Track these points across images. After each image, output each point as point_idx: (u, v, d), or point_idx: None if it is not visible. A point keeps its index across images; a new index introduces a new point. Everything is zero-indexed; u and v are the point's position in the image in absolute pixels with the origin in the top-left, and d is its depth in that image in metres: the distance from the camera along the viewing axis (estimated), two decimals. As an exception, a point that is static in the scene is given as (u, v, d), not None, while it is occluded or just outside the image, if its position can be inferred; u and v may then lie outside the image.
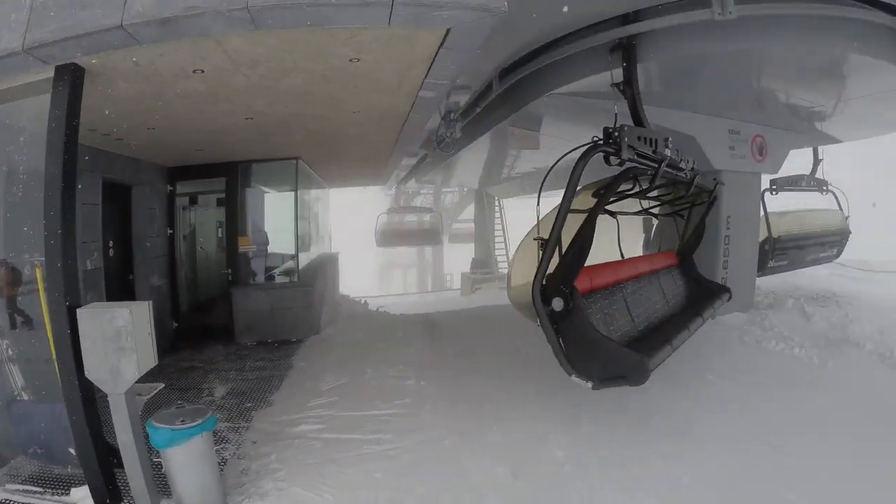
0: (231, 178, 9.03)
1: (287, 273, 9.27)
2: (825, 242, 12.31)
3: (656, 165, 5.15)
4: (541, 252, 4.08)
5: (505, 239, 23.92)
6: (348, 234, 25.35)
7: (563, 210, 4.18)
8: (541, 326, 4.12)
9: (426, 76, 5.10)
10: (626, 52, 5.61)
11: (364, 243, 25.59)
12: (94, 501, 3.93)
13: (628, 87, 5.69)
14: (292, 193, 9.25)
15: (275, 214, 9.55)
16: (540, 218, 4.54)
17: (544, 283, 4.12)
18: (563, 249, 4.19)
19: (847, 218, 12.40)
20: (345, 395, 6.24)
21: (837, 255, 12.51)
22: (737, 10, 4.79)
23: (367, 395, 6.24)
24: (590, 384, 4.04)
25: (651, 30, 5.35)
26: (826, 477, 4.40)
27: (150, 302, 3.91)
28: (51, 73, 3.84)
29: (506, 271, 21.92)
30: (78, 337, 3.65)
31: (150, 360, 3.81)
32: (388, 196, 31.37)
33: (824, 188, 12.14)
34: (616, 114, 5.26)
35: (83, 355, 3.65)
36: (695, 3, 4.99)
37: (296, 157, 9.11)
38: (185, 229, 10.37)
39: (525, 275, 5.05)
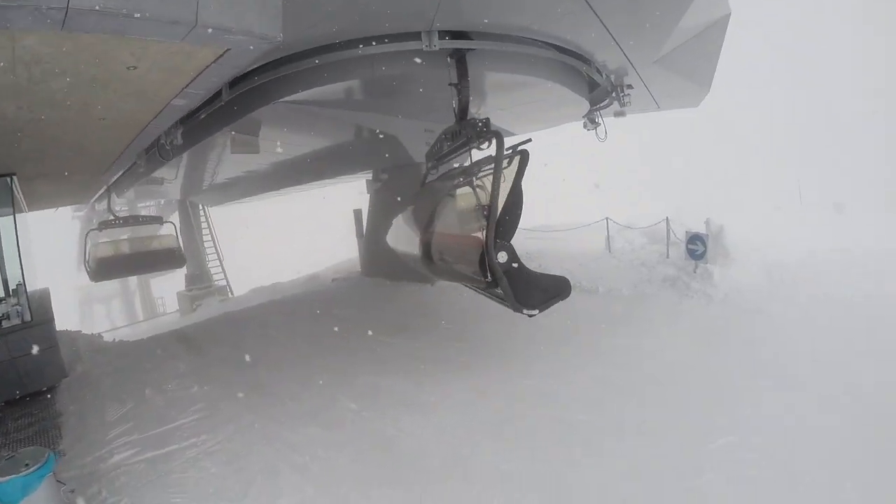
0: None
1: (18, 313, 7.98)
2: None
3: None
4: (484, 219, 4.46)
5: (216, 248, 22.34)
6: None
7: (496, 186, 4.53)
8: (489, 277, 4.39)
9: (187, 86, 5.47)
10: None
11: (54, 276, 21.68)
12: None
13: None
14: (9, 218, 8.02)
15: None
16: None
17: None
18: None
19: None
20: (137, 417, 6.31)
21: None
22: (439, 45, 6.39)
23: (160, 412, 6.45)
24: (535, 311, 4.51)
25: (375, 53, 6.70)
26: (564, 368, 6.72)
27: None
28: None
29: (222, 283, 21.41)
30: None
31: None
32: (75, 218, 27.13)
33: None
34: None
35: None
36: (409, 36, 6.43)
37: (11, 172, 7.86)
38: None
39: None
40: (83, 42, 3.94)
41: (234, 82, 7.44)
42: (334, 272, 17.30)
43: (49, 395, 7.32)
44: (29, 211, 12.99)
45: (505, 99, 10.22)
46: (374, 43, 6.44)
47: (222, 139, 10.29)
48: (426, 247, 5.63)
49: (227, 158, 12.96)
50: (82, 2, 3.35)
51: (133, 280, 29.44)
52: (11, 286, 8.15)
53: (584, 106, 8.85)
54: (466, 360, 7.28)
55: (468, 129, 5.68)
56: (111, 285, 31.43)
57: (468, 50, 6.96)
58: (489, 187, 4.75)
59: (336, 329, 9.44)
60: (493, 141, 5.02)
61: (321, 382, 6.91)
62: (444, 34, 6.35)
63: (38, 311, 8.29)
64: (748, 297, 9.00)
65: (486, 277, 4.46)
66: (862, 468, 4.20)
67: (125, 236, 18.89)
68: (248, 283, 19.25)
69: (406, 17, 6.07)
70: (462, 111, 6.25)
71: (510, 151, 4.89)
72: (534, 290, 4.60)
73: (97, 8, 3.40)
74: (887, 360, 6.06)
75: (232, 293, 20.41)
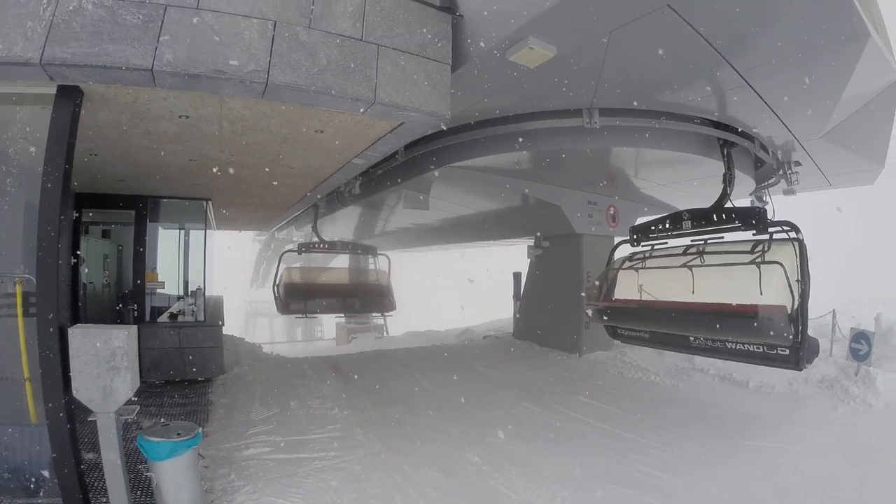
0: (140, 211, 8.90)
1: (192, 311, 9.22)
2: None
3: None
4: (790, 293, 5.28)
5: None
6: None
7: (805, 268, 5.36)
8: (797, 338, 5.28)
9: (367, 149, 6.19)
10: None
11: (229, 288, 24.39)
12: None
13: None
14: (202, 232, 9.36)
15: (182, 252, 9.52)
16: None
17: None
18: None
19: None
20: (279, 423, 6.68)
21: None
22: (600, 122, 6.66)
23: (300, 423, 6.78)
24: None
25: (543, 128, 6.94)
26: (677, 457, 5.98)
27: (137, 326, 4.22)
28: (53, 90, 3.93)
29: (379, 321, 21.90)
30: (67, 357, 3.74)
31: (137, 380, 4.09)
32: (255, 241, 30.66)
33: None
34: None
35: (72, 375, 3.74)
36: (572, 113, 6.74)
37: (207, 197, 9.30)
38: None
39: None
40: (278, 108, 4.71)
41: (410, 146, 8.06)
42: (488, 329, 17.32)
43: (205, 386, 8.14)
44: (217, 229, 14.92)
45: (665, 174, 9.98)
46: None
47: (396, 193, 11.13)
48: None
49: (399, 210, 13.98)
50: (279, 78, 4.07)
51: None
52: (192, 288, 9.48)
53: (750, 184, 8.40)
54: (593, 438, 6.70)
55: (748, 217, 6.08)
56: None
57: (731, 143, 7.24)
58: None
59: (478, 385, 9.35)
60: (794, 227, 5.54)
61: (452, 432, 6.81)
62: (604, 111, 6.65)
63: (212, 314, 9.47)
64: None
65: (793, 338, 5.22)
66: None
67: (328, 266, 17.53)
68: (405, 325, 19.62)
69: (567, 97, 6.40)
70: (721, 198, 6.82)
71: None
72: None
73: (290, 84, 4.12)
74: None
75: (388, 332, 21.21)
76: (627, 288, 7.12)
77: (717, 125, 7.26)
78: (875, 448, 6.25)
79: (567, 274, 12.36)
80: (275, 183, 8.30)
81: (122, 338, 3.84)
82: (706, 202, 12.24)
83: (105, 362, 3.79)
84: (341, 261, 20.77)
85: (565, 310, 12.29)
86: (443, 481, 5.33)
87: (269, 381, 8.71)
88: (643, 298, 6.79)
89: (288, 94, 4.30)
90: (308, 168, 7.24)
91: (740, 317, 5.48)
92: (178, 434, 4.04)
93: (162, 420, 4.40)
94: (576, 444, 6.48)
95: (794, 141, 7.63)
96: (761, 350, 5.68)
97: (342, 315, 19.19)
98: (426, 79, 4.81)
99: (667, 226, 6.99)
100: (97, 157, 6.33)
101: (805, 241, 5.39)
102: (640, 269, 7.07)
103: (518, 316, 15.24)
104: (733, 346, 5.96)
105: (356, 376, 9.62)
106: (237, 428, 6.37)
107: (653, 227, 7.11)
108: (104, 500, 4.06)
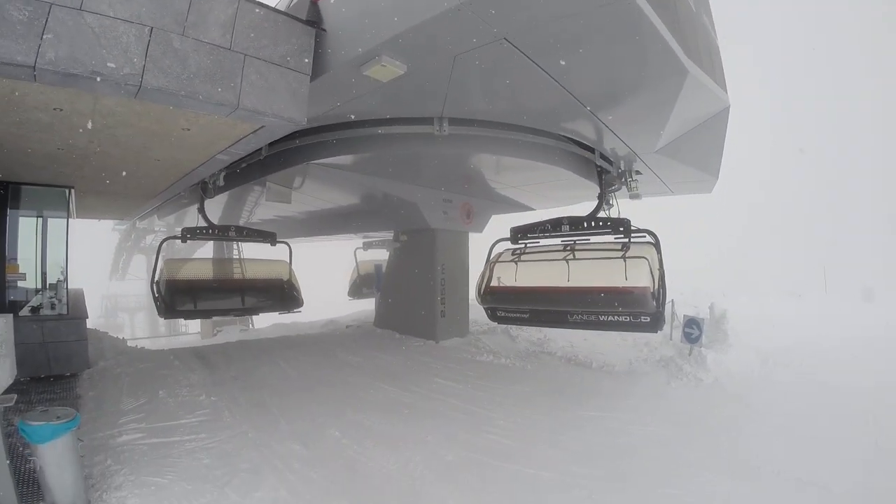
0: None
1: (54, 305, 8.95)
2: None
3: None
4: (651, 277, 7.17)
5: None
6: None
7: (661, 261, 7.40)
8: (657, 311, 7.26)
9: (230, 146, 6.75)
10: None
11: (87, 280, 22.77)
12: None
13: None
14: (64, 221, 9.12)
15: (42, 242, 9.14)
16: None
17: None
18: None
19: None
20: (149, 411, 7.04)
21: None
22: (449, 130, 7.51)
23: (170, 410, 7.20)
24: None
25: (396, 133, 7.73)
26: (522, 427, 7.25)
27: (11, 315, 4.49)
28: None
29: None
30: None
31: (15, 368, 4.39)
32: (115, 230, 28.77)
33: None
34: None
35: None
36: (423, 120, 7.56)
37: (70, 185, 9.04)
38: None
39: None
40: (149, 107, 5.14)
41: (274, 142, 8.48)
42: (351, 319, 18.12)
43: (71, 381, 8.13)
44: (76, 217, 14.02)
45: (518, 178, 11.16)
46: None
47: (260, 187, 11.46)
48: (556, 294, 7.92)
49: (262, 203, 14.16)
50: (151, 82, 4.54)
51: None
52: (52, 281, 9.15)
53: (596, 189, 9.50)
54: (446, 413, 7.80)
55: (616, 224, 7.82)
56: (137, 300, 32.42)
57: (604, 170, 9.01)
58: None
59: (339, 370, 10.17)
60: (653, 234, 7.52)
61: (314, 412, 7.59)
62: (454, 121, 7.46)
63: (74, 308, 9.26)
64: (737, 383, 9.31)
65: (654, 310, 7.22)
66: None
67: (218, 257, 15.29)
68: (270, 318, 19.76)
69: (418, 107, 7.16)
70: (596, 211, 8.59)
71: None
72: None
73: (161, 88, 4.58)
74: (851, 454, 6.30)
75: (253, 325, 21.21)
76: (509, 277, 8.49)
77: (565, 138, 8.46)
78: (699, 415, 7.80)
79: (423, 266, 13.62)
80: (140, 173, 8.42)
81: (1, 326, 4.17)
82: (555, 203, 14.03)
83: (-18, 351, 3.93)
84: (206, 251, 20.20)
85: (422, 299, 13.57)
86: (306, 454, 6.14)
87: (135, 372, 8.85)
88: (529, 285, 8.27)
89: (158, 97, 4.71)
90: (174, 160, 7.55)
91: (620, 295, 7.27)
92: (58, 417, 4.41)
93: (40, 407, 4.71)
94: (430, 418, 7.56)
95: (633, 154, 8.94)
96: (628, 320, 7.45)
97: (237, 316, 16.90)
98: (286, 87, 5.39)
99: (548, 228, 8.37)
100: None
101: (660, 243, 7.44)
102: (519, 261, 8.44)
103: (379, 306, 16.25)
104: (605, 319, 7.61)
105: (222, 365, 10.06)
106: (108, 418, 6.63)
107: (535, 229, 8.46)
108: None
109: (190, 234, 9.77)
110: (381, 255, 18.60)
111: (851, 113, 67.29)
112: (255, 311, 11.77)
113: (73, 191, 9.22)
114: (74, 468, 4.50)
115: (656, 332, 7.62)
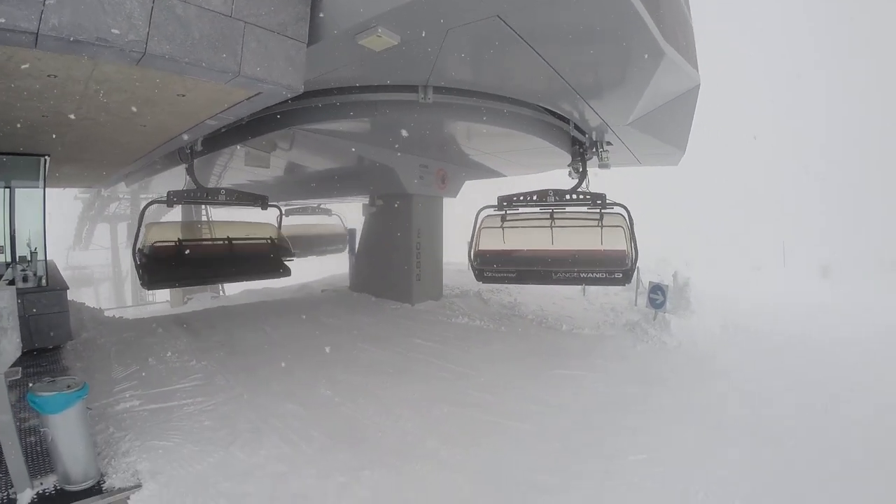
0: None
1: (34, 277, 8.84)
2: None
3: None
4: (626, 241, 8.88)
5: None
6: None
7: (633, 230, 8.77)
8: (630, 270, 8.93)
9: (221, 112, 6.72)
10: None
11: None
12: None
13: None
14: (39, 191, 8.94)
15: (11, 214, 8.96)
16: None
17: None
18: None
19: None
20: (142, 379, 7.22)
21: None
22: (433, 98, 7.68)
23: (162, 376, 7.41)
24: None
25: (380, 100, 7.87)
26: (500, 384, 7.77)
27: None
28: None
29: None
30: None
31: (19, 340, 4.44)
32: (78, 199, 27.93)
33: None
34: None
35: None
36: (409, 88, 7.70)
37: (46, 153, 8.75)
38: None
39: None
40: (148, 74, 5.08)
41: None
42: (324, 284, 18.27)
43: (56, 353, 8.16)
44: (47, 187, 13.63)
45: (492, 145, 11.42)
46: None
47: (238, 152, 11.42)
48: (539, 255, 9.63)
49: (237, 167, 14.08)
50: (156, 49, 4.54)
51: (125, 263, 28.62)
52: (29, 251, 8.96)
53: (568, 157, 9.94)
54: (428, 371, 8.25)
55: (594, 198, 8.90)
56: (103, 270, 31.60)
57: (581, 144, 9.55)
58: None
59: (321, 332, 10.47)
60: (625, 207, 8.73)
61: (303, 373, 7.93)
62: (438, 89, 7.65)
63: (53, 279, 9.18)
64: (700, 346, 10.14)
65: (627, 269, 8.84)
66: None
67: (203, 221, 14.39)
68: (240, 285, 19.74)
69: (405, 74, 7.30)
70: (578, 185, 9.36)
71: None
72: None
73: (165, 55, 4.59)
74: (801, 401, 7.20)
75: (224, 292, 21.08)
76: (497, 242, 9.73)
77: (540, 108, 8.74)
78: (662, 375, 8.46)
79: (399, 230, 13.92)
80: (122, 140, 8.22)
81: (6, 298, 4.16)
82: (526, 170, 14.39)
83: (-9, 324, 4.02)
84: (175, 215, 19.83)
85: (398, 263, 13.93)
86: (303, 413, 6.48)
87: (120, 342, 8.97)
88: (519, 247, 9.79)
89: (161, 63, 4.70)
90: (160, 126, 7.42)
91: (599, 256, 9.22)
92: (69, 387, 4.52)
93: (46, 378, 4.82)
94: (412, 376, 8.00)
95: (605, 125, 9.27)
96: (604, 276, 9.01)
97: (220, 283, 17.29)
98: (284, 55, 5.44)
99: (533, 198, 9.07)
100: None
101: (631, 214, 8.69)
102: (505, 228, 9.60)
103: (354, 270, 16.53)
104: (586, 276, 9.22)
105: (206, 332, 10.24)
106: (102, 387, 6.77)
107: (520, 198, 9.13)
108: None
109: (177, 197, 9.09)
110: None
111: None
112: (245, 277, 11.50)
113: (47, 159, 9.01)
114: (86, 437, 4.62)
115: (625, 284, 9.25)
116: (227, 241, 10.67)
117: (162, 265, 9.44)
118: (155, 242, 9.54)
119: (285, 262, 11.22)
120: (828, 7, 67.85)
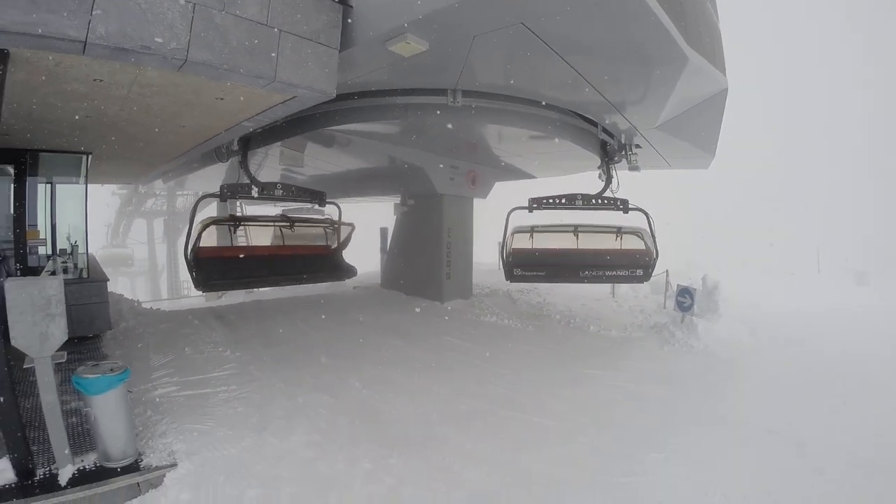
0: (20, 166, 8.48)
1: (76, 268, 9.22)
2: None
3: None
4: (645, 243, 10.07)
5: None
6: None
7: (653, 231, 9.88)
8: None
9: (258, 114, 6.98)
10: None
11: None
12: (17, 470, 4.38)
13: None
14: (82, 187, 9.33)
15: (62, 208, 9.38)
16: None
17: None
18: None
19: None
20: (178, 367, 7.50)
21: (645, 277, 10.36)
22: (462, 101, 7.81)
23: (198, 365, 7.68)
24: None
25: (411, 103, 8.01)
26: (526, 381, 7.86)
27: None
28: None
29: None
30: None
31: (66, 326, 4.67)
32: (115, 194, 28.90)
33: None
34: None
35: (10, 325, 4.23)
36: (438, 91, 7.84)
37: (89, 151, 9.16)
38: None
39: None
40: (189, 79, 5.36)
41: None
42: (356, 281, 18.42)
43: (96, 342, 8.48)
44: (88, 183, 14.10)
45: (521, 147, 11.52)
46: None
47: (272, 151, 11.71)
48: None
49: (271, 165, 14.39)
50: (196, 56, 4.77)
51: (162, 258, 29.75)
52: (71, 244, 9.36)
53: (597, 159, 9.89)
54: (456, 367, 8.35)
55: (617, 203, 9.44)
56: (140, 264, 32.32)
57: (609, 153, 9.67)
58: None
59: (352, 327, 10.69)
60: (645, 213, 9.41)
61: (334, 365, 8.12)
62: (467, 93, 7.80)
63: (94, 271, 9.57)
64: (726, 350, 9.94)
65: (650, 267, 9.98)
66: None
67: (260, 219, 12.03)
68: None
69: (434, 79, 7.44)
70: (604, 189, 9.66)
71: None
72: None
73: (205, 62, 4.82)
74: (823, 411, 7.00)
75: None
76: (526, 244, 10.57)
77: (569, 112, 8.78)
78: (689, 377, 8.42)
79: (430, 229, 14.09)
80: (163, 140, 8.56)
81: (55, 286, 4.42)
82: (556, 172, 14.46)
83: (41, 310, 4.34)
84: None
85: (429, 262, 14.09)
86: (333, 403, 6.65)
87: (158, 332, 9.29)
88: (549, 247, 10.63)
89: (201, 70, 4.95)
90: (199, 127, 7.73)
91: (628, 255, 10.16)
92: (112, 370, 4.79)
93: (90, 362, 5.07)
94: (441, 372, 8.11)
95: (633, 129, 9.32)
96: (626, 274, 10.13)
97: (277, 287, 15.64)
98: (318, 61, 5.67)
99: (562, 201, 9.32)
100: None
101: (652, 217, 9.49)
102: (535, 232, 10.54)
103: (385, 268, 16.76)
104: (611, 274, 10.29)
105: (241, 324, 10.51)
106: (140, 374, 7.02)
107: (550, 200, 9.35)
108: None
109: (231, 190, 8.44)
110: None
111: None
112: (306, 280, 10.60)
113: (90, 157, 9.41)
114: (126, 418, 4.87)
115: (644, 281, 10.43)
116: (289, 243, 10.14)
117: (218, 268, 8.90)
118: (211, 243, 9.04)
119: (349, 264, 10.75)
120: (873, 7, 65.80)
